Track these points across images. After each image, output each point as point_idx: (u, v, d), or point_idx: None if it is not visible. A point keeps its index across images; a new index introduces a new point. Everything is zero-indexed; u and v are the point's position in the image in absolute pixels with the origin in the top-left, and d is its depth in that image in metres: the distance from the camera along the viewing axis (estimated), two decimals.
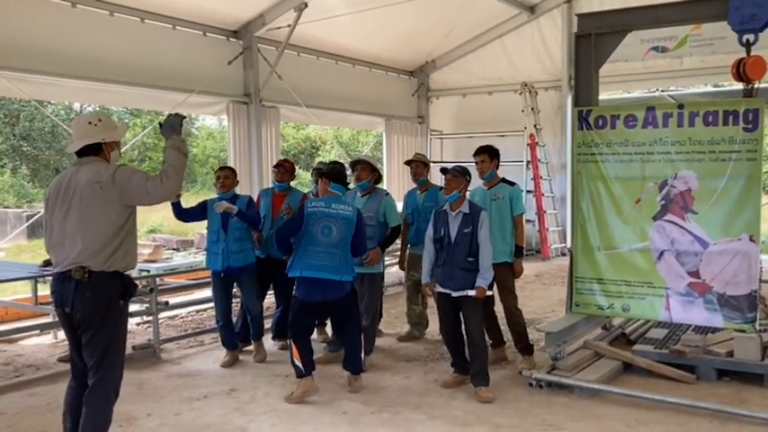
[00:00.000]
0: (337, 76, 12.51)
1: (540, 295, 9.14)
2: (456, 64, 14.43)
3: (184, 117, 3.96)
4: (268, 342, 6.41)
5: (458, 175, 5.09)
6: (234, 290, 6.20)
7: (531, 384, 5.20)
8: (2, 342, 6.70)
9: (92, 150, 3.70)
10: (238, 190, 6.20)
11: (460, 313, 5.14)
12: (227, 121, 10.78)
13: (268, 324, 6.56)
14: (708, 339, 5.50)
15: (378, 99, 13.58)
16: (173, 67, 9.51)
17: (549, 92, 13.46)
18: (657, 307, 5.38)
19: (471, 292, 4.99)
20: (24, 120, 21.85)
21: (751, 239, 5.03)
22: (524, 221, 5.96)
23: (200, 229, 12.73)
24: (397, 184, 13.47)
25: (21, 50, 7.80)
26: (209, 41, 10.20)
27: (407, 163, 6.72)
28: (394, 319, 7.59)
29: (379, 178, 6.20)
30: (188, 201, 6.39)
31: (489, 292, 5.24)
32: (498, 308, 5.81)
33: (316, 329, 6.25)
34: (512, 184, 5.89)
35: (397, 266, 7.30)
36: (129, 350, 4.94)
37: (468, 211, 5.07)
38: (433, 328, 6.39)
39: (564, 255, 12.38)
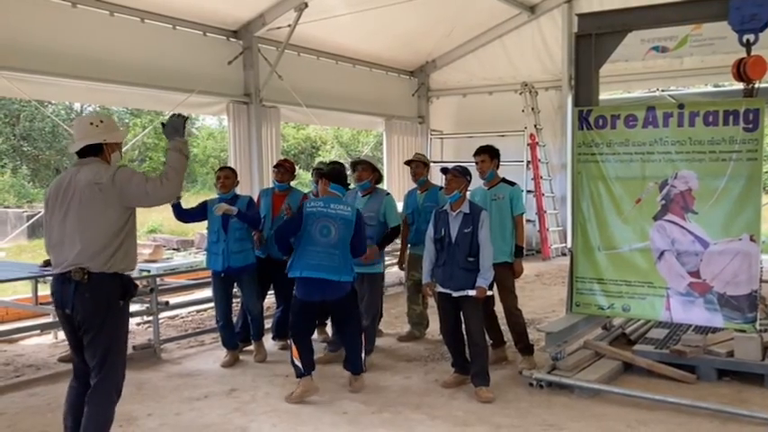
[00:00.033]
0: (337, 76, 12.51)
1: (541, 295, 9.14)
2: (456, 64, 14.43)
3: (187, 118, 3.95)
4: (268, 342, 6.42)
5: (458, 175, 5.10)
6: (234, 290, 6.20)
7: (531, 384, 5.20)
8: (2, 342, 6.70)
9: (92, 151, 3.70)
10: (239, 190, 6.21)
11: (461, 313, 5.14)
12: (228, 121, 10.78)
13: (268, 324, 6.56)
14: (708, 339, 5.50)
15: (378, 99, 13.58)
16: (173, 67, 9.51)
17: (549, 92, 13.46)
18: (658, 307, 5.38)
19: (472, 292, 4.99)
20: (25, 120, 21.85)
21: (751, 239, 5.03)
22: (524, 221, 5.96)
23: (200, 229, 12.72)
24: (397, 184, 13.47)
25: (21, 50, 7.80)
26: (210, 41, 10.21)
27: (407, 163, 6.72)
28: (394, 319, 7.59)
29: (379, 178, 6.21)
30: (188, 201, 6.40)
31: (489, 292, 5.25)
32: (498, 308, 5.81)
33: (316, 329, 6.25)
34: (512, 184, 5.89)
35: (397, 267, 7.29)
36: (129, 350, 4.94)
37: (468, 211, 5.07)
38: (434, 327, 6.39)
39: (564, 255, 12.38)
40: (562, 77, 13.17)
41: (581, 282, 5.68)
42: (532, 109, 13.23)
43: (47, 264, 6.04)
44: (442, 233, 5.10)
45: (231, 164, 10.31)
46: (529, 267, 9.57)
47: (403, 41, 12.98)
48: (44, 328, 6.67)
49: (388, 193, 6.25)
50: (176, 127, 3.80)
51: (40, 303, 6.92)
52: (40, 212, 12.00)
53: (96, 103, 13.99)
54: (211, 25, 10.14)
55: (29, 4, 7.93)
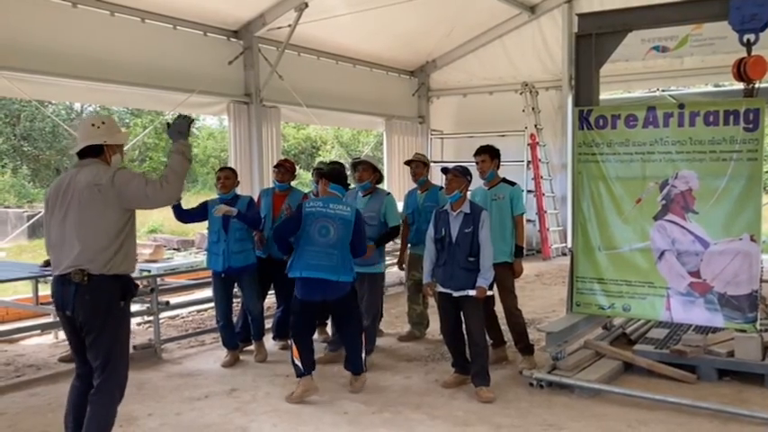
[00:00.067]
0: (338, 76, 12.51)
1: (541, 295, 9.14)
2: (456, 64, 14.43)
3: (193, 120, 3.93)
4: (269, 342, 6.42)
5: (459, 175, 5.10)
6: (234, 290, 6.20)
7: (531, 384, 5.20)
8: (3, 342, 6.71)
9: (93, 152, 3.69)
10: (239, 190, 6.21)
11: (461, 313, 5.14)
12: (228, 121, 10.78)
13: (269, 324, 6.56)
14: (708, 339, 5.50)
15: (378, 99, 13.58)
16: (173, 67, 9.51)
17: (549, 92, 13.46)
18: (658, 307, 5.38)
19: (472, 292, 4.99)
20: (25, 120, 21.85)
21: (752, 239, 5.03)
22: (525, 221, 5.96)
23: (200, 229, 12.72)
24: (397, 184, 13.47)
25: (21, 50, 7.80)
26: (210, 41, 10.21)
27: (407, 163, 6.72)
28: (395, 318, 7.59)
29: (380, 179, 6.22)
30: (188, 201, 6.40)
31: (490, 292, 5.25)
32: (498, 308, 5.81)
33: (317, 329, 6.24)
34: (512, 184, 5.89)
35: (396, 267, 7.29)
36: (130, 350, 4.93)
37: (469, 211, 5.07)
38: (434, 327, 6.39)
39: (564, 254, 12.38)
40: (562, 77, 13.17)
41: (581, 281, 5.68)
42: (533, 109, 13.23)
43: (47, 264, 6.04)
44: (443, 233, 5.10)
45: (231, 164, 10.32)
46: (529, 267, 9.57)
47: (403, 41, 12.98)
48: (44, 328, 6.68)
49: (389, 193, 6.26)
50: (181, 129, 3.79)
51: (41, 303, 6.92)
52: (40, 212, 12.00)
53: (97, 103, 14.00)
54: (212, 25, 10.15)
55: (29, 4, 7.93)
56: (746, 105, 5.04)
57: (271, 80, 10.68)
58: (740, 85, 5.28)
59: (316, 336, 5.65)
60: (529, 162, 13.03)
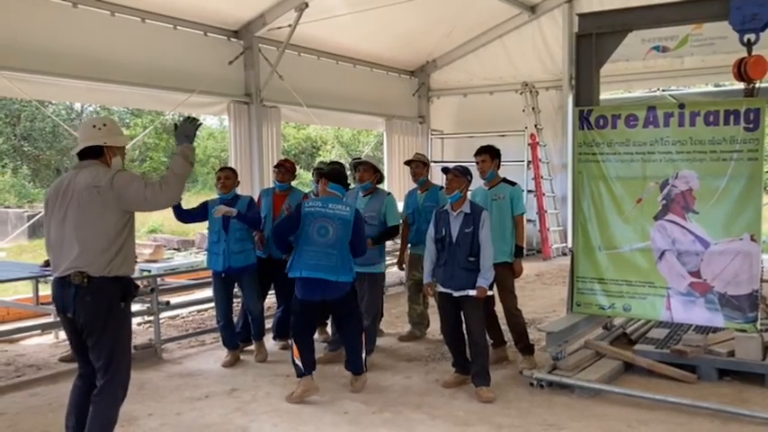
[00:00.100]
0: (338, 76, 12.51)
1: (541, 295, 9.14)
2: (457, 64, 14.43)
3: (200, 124, 3.92)
4: (269, 342, 6.42)
5: (459, 174, 5.10)
6: (235, 290, 6.20)
7: (532, 384, 5.20)
8: (3, 342, 6.71)
9: (93, 154, 3.69)
10: (239, 190, 6.21)
11: (461, 313, 5.14)
12: (228, 121, 10.78)
13: (269, 324, 6.56)
14: (709, 339, 5.50)
15: (378, 99, 13.58)
16: (173, 67, 9.51)
17: (549, 91, 13.46)
18: (658, 307, 5.38)
19: (472, 292, 4.99)
20: (25, 120, 21.85)
21: (752, 239, 5.03)
22: (525, 221, 5.95)
23: (201, 229, 12.73)
24: (397, 184, 13.47)
25: (22, 50, 7.80)
26: (210, 41, 10.21)
27: (407, 163, 6.72)
28: (395, 318, 7.59)
29: (381, 179, 6.22)
30: (189, 201, 6.40)
31: (490, 292, 5.25)
32: (498, 307, 5.81)
33: (317, 329, 6.24)
34: (512, 184, 5.89)
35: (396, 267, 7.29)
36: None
37: (469, 211, 5.07)
38: (435, 327, 6.39)
39: (565, 254, 12.39)
40: (563, 77, 13.17)
41: (582, 281, 5.68)
42: (533, 109, 13.23)
43: (47, 264, 6.03)
44: (443, 233, 5.10)
45: (232, 164, 10.32)
46: (529, 267, 9.59)
47: (403, 41, 12.98)
48: (45, 328, 6.68)
49: (389, 193, 6.26)
50: (187, 132, 3.78)
51: (41, 303, 6.93)
52: (40, 212, 12.00)
53: (97, 103, 14.02)
54: (212, 25, 10.15)
55: (29, 4, 7.93)
56: (747, 105, 5.04)
57: (271, 80, 10.68)
58: (740, 85, 5.28)
59: (316, 336, 5.65)
60: (529, 162, 13.03)
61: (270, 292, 6.65)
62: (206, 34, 10.12)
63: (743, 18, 4.99)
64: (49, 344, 6.86)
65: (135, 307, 5.64)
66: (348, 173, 5.74)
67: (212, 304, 6.50)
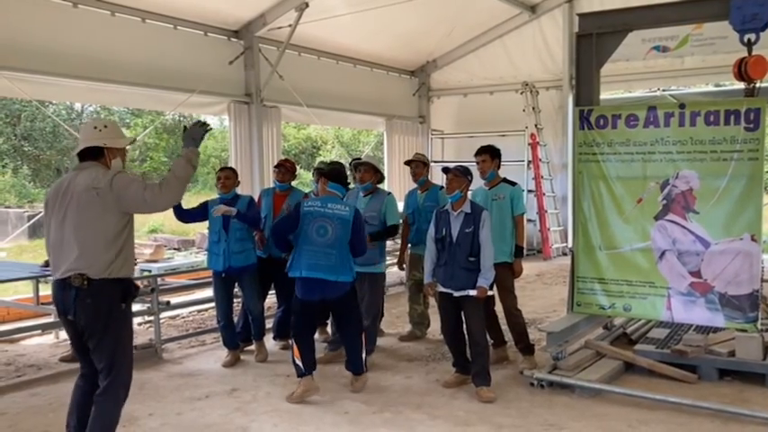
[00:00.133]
0: (338, 76, 12.51)
1: (542, 295, 9.14)
2: (457, 64, 14.42)
3: (210, 129, 3.90)
4: (269, 342, 6.42)
5: (459, 174, 5.10)
6: (235, 290, 6.20)
7: (532, 384, 5.20)
8: (3, 342, 6.71)
9: (93, 155, 3.68)
10: (239, 190, 6.21)
11: (462, 313, 5.14)
12: (229, 121, 10.78)
13: (269, 324, 6.56)
14: (709, 339, 5.49)
15: (379, 99, 13.58)
16: (174, 67, 9.51)
17: (550, 91, 13.46)
18: (659, 307, 5.38)
19: (473, 292, 4.99)
20: (26, 120, 21.86)
21: (752, 239, 5.03)
22: (525, 221, 5.95)
23: (201, 229, 12.73)
24: (397, 184, 13.46)
25: (22, 50, 7.80)
26: (211, 41, 10.21)
27: (407, 163, 6.72)
28: (395, 318, 7.58)
29: (381, 179, 6.22)
30: (189, 201, 6.40)
31: (490, 292, 5.25)
32: (498, 307, 5.81)
33: (317, 329, 6.24)
34: (513, 184, 5.89)
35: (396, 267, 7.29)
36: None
37: (469, 211, 5.07)
38: (435, 327, 6.39)
39: (565, 254, 12.39)
40: (563, 77, 13.16)
41: (582, 281, 5.68)
42: (533, 109, 13.23)
43: (48, 264, 6.04)
44: (444, 233, 5.10)
45: (232, 164, 10.32)
46: (530, 267, 9.59)
47: (404, 41, 12.98)
48: (45, 328, 6.68)
49: (390, 193, 6.26)
50: (195, 136, 3.78)
51: (42, 303, 6.92)
52: (40, 212, 11.98)
53: (97, 103, 14.02)
54: (212, 25, 10.14)
55: (29, 4, 7.93)
56: (747, 105, 5.04)
57: (271, 80, 10.68)
58: (741, 85, 5.28)
59: (316, 336, 5.65)
60: (529, 162, 13.03)
61: (270, 292, 6.65)
62: (206, 34, 10.12)
63: (743, 18, 4.99)
64: (50, 344, 6.86)
65: (135, 307, 5.63)
66: (348, 173, 5.74)
67: (212, 304, 6.51)
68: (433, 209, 5.50)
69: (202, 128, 3.84)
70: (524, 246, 5.99)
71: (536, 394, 5.08)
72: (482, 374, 5.07)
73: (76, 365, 3.87)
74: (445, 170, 5.22)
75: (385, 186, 8.10)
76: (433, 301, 6.21)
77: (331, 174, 5.30)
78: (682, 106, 5.31)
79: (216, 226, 5.91)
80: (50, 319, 6.75)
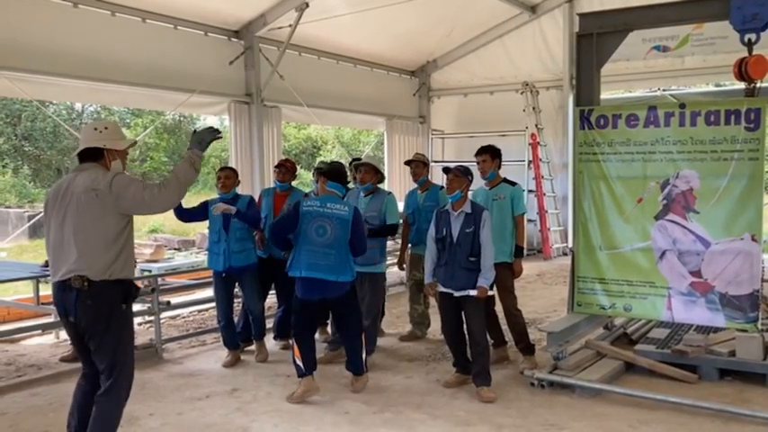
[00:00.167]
0: (338, 76, 12.51)
1: (542, 295, 9.13)
2: (457, 63, 14.42)
3: (220, 136, 3.84)
4: (270, 342, 6.42)
5: (460, 174, 5.09)
6: (235, 290, 6.20)
7: (532, 384, 5.20)
8: (4, 342, 6.71)
9: (92, 156, 3.68)
10: (240, 190, 6.21)
11: (462, 313, 5.14)
12: (229, 120, 10.76)
13: (270, 324, 6.56)
14: (710, 339, 5.49)
15: (379, 99, 13.58)
16: (174, 67, 9.51)
17: (550, 91, 13.46)
18: (659, 307, 5.38)
19: (473, 292, 4.99)
20: (26, 120, 21.87)
21: (753, 239, 5.03)
22: (526, 221, 5.95)
23: (201, 228, 12.74)
24: (398, 184, 13.46)
25: (22, 50, 7.80)
26: (211, 41, 10.20)
27: (407, 163, 6.72)
28: (396, 318, 7.58)
29: (381, 179, 6.22)
30: (189, 201, 6.39)
31: (491, 292, 5.25)
32: (498, 307, 5.81)
33: (318, 329, 6.25)
34: (513, 184, 5.89)
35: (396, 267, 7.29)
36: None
37: (470, 211, 5.07)
38: (435, 327, 6.39)
39: (566, 254, 12.39)
40: (563, 77, 13.16)
41: (582, 281, 5.68)
42: (534, 108, 13.23)
43: (48, 264, 6.05)
44: (444, 233, 5.10)
45: (232, 164, 10.32)
46: (530, 267, 9.58)
47: (404, 41, 12.98)
48: (45, 328, 6.68)
49: (390, 193, 6.26)
50: (201, 140, 3.76)
51: (42, 303, 6.92)
52: (41, 212, 11.96)
53: (97, 103, 14.03)
54: (213, 25, 10.14)
55: (30, 4, 7.93)
56: (748, 105, 5.04)
57: (271, 80, 10.68)
58: (741, 85, 5.28)
59: (317, 335, 5.65)
60: (530, 162, 13.03)
61: (270, 292, 6.64)
62: (206, 34, 10.12)
63: (743, 18, 4.99)
64: (50, 344, 6.86)
65: (136, 307, 5.63)
66: (348, 172, 5.73)
67: (213, 304, 6.51)
68: (434, 209, 5.50)
69: (212, 133, 3.81)
70: (524, 246, 5.99)
71: (536, 394, 5.08)
72: (482, 374, 5.07)
73: (77, 365, 3.87)
74: (446, 170, 5.22)
75: (385, 186, 8.10)
76: (433, 301, 6.20)
77: (330, 173, 5.29)
78: (682, 106, 5.32)
79: (216, 226, 5.91)
80: (51, 319, 6.75)
